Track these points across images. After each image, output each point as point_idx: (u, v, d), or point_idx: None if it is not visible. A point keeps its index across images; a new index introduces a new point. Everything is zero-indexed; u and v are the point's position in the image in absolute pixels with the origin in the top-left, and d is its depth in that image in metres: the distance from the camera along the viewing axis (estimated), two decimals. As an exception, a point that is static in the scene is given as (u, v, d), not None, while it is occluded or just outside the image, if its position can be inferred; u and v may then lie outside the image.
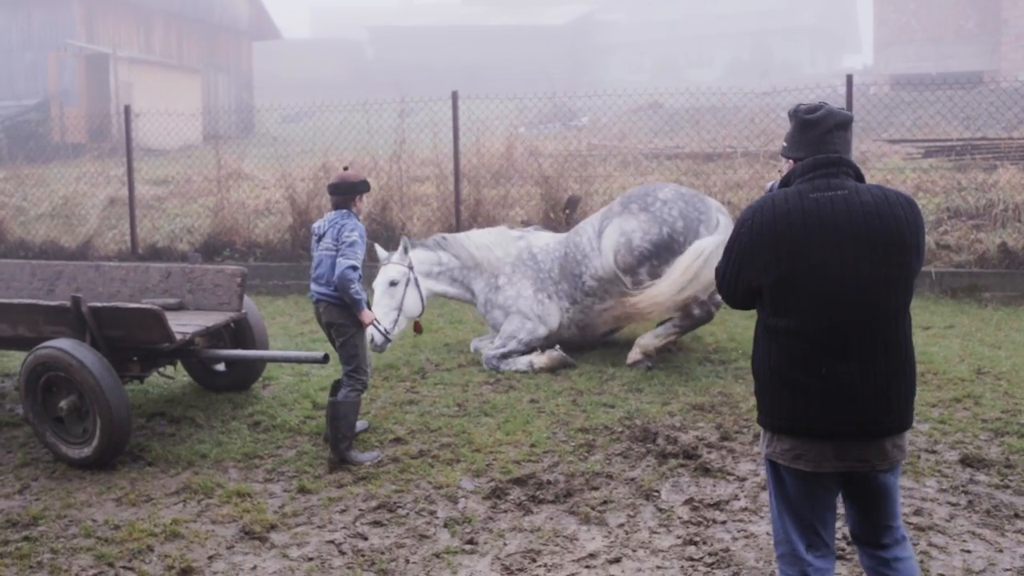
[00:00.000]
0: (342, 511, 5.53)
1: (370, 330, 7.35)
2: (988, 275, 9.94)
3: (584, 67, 57.21)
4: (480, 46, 57.49)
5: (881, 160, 14.72)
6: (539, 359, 8.01)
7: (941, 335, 8.78)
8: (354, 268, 6.09)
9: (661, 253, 7.72)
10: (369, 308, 6.34)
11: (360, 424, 6.75)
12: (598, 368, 8.08)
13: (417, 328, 7.83)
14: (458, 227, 11.32)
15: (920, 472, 5.72)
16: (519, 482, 5.80)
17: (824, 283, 3.23)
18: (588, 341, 8.61)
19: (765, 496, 5.48)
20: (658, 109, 26.13)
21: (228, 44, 35.43)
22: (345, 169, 6.48)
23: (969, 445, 6.11)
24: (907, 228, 3.25)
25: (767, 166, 13.02)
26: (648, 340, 7.95)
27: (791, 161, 3.47)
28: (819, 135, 3.38)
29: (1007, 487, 5.50)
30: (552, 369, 7.97)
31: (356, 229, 6.19)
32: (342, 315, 6.21)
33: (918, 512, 5.21)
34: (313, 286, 6.34)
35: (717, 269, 3.60)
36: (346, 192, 6.29)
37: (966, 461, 5.85)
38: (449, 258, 8.41)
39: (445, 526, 5.29)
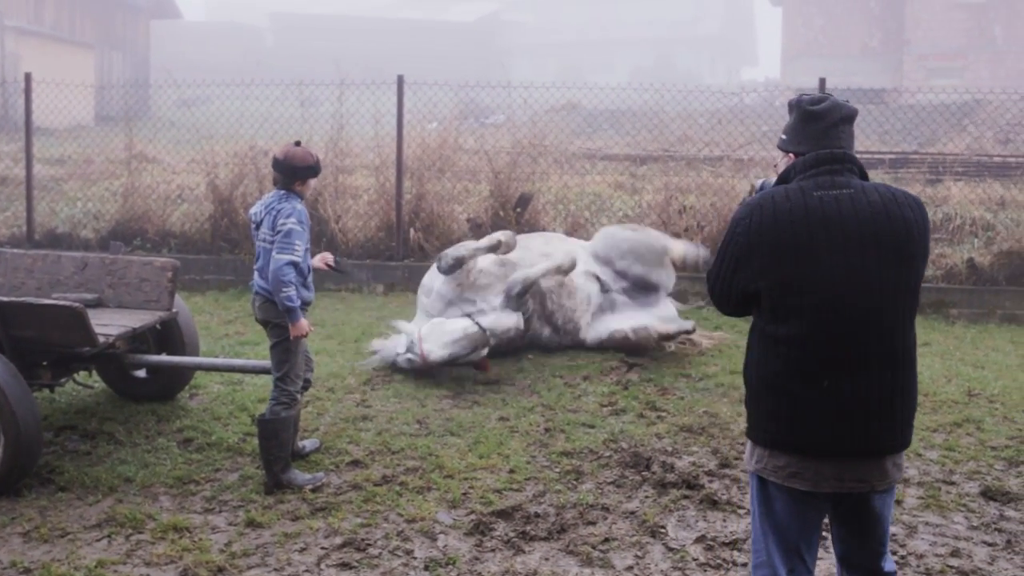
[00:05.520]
0: (301, 550, 4.71)
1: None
2: (955, 291, 9.65)
3: (490, 66, 56.65)
4: (385, 39, 56.20)
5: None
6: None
7: (920, 353, 8.37)
8: (292, 264, 5.20)
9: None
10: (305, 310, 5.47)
11: (311, 443, 5.93)
12: (568, 383, 7.38)
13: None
14: (398, 223, 10.48)
15: (944, 507, 5.24)
16: (503, 515, 5.09)
17: (829, 289, 2.99)
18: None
19: (784, 534, 4.90)
20: (576, 109, 25.67)
21: (125, 20, 33.53)
22: (297, 144, 5.50)
23: (987, 476, 5.67)
24: (916, 230, 3.06)
25: (709, 171, 12.56)
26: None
27: (790, 156, 3.22)
28: (823, 128, 3.15)
29: (1042, 525, 5.06)
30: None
31: (293, 214, 5.27)
32: (278, 314, 5.33)
33: (955, 553, 4.73)
34: (256, 277, 5.46)
35: (708, 273, 3.34)
36: (287, 173, 5.36)
37: (988, 494, 5.41)
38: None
39: (426, 568, 4.55)
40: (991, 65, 37.02)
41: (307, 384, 5.79)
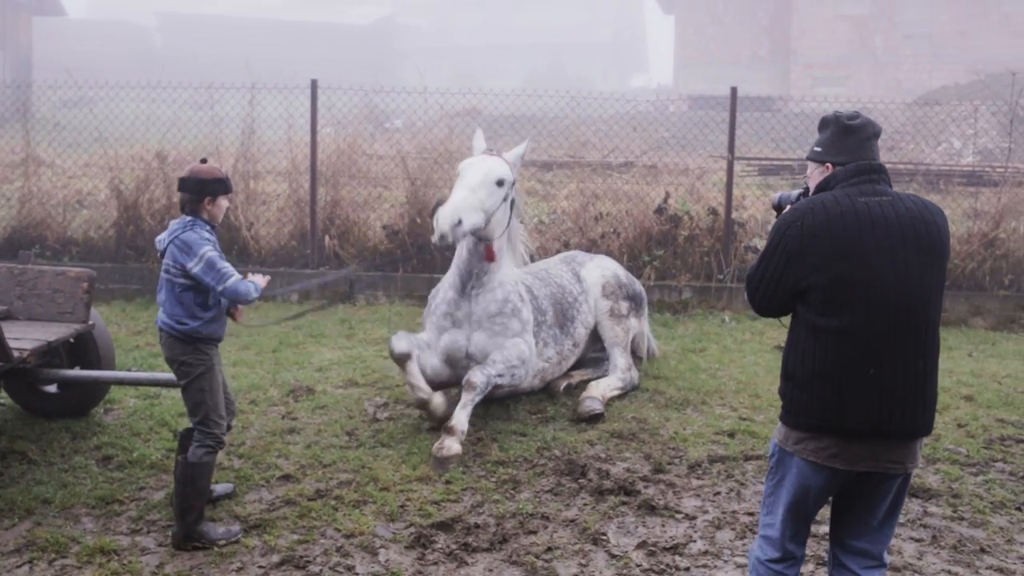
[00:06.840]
0: (238, 569, 4.58)
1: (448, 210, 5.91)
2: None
3: (384, 70, 56.20)
4: (277, 41, 55.08)
5: (716, 175, 14.71)
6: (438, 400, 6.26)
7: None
8: (235, 281, 4.78)
9: (635, 299, 7.72)
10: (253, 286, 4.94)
11: (223, 487, 5.38)
12: (495, 390, 7.35)
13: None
14: (312, 230, 10.28)
15: (870, 506, 5.41)
16: (443, 527, 5.05)
17: (879, 285, 3.29)
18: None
19: (721, 537, 5.02)
20: (477, 114, 25.67)
21: (5, 16, 31.99)
22: (203, 161, 5.04)
23: (906, 474, 5.88)
24: (945, 235, 3.40)
25: (623, 177, 12.74)
26: (603, 390, 6.94)
27: (827, 166, 3.51)
28: (860, 141, 3.48)
29: (962, 519, 5.29)
30: (436, 419, 6.27)
31: (207, 243, 4.82)
32: (185, 351, 4.88)
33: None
34: (160, 312, 4.99)
35: (750, 276, 3.57)
36: (195, 190, 4.86)
37: (911, 491, 5.59)
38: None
39: (370, 585, 4.46)
40: (872, 75, 38.59)
41: (229, 427, 5.29)
